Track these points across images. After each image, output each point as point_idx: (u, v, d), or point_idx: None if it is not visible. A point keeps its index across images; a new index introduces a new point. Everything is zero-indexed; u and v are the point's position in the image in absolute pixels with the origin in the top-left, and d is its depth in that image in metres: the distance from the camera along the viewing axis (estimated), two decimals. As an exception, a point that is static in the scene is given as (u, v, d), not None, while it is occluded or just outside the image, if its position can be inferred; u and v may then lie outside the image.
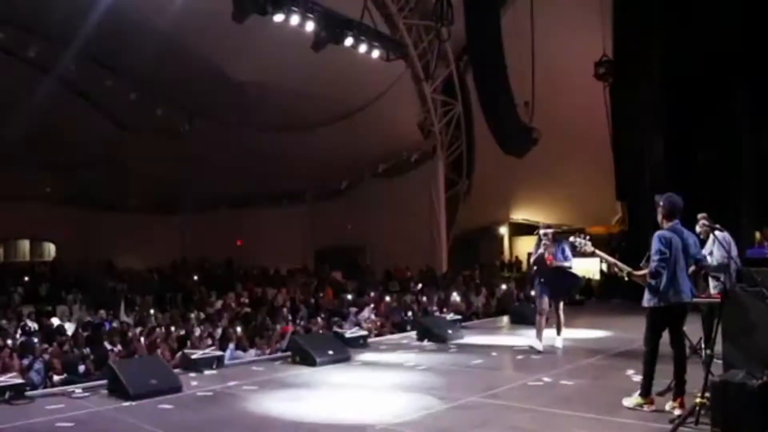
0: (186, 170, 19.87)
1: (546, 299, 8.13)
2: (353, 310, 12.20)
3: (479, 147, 20.87)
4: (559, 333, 8.44)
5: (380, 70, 14.79)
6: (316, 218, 23.26)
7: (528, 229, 22.41)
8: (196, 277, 19.69)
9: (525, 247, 22.07)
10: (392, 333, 11.04)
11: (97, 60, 15.57)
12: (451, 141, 21.13)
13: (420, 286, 17.69)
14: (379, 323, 11.39)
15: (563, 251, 8.10)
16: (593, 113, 16.74)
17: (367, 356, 8.55)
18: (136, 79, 16.48)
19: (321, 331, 9.86)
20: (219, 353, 7.72)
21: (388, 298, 14.16)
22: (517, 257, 22.28)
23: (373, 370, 7.62)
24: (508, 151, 16.68)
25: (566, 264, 8.09)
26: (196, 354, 7.37)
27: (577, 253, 6.12)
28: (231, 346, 8.48)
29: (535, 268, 8.32)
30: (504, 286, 16.22)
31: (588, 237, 5.72)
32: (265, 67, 15.33)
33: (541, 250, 8.12)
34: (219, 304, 14.29)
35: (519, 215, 22.55)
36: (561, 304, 8.29)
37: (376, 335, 10.57)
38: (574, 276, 8.31)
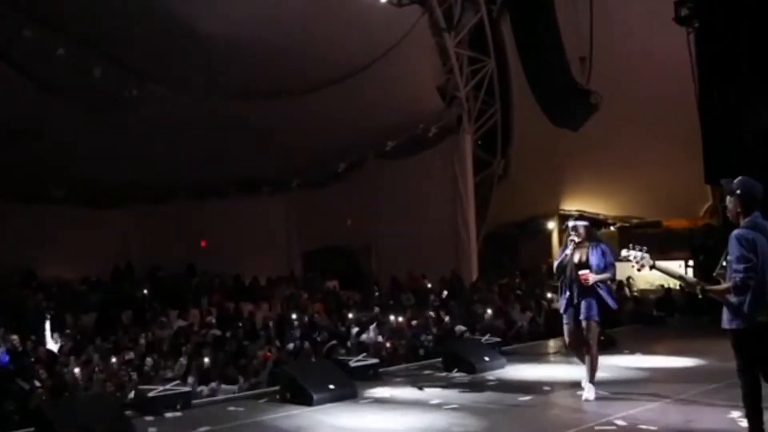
0: (133, 149, 19.78)
1: (571, 324, 7.31)
2: (354, 330, 12.18)
3: (519, 116, 20.88)
4: (591, 379, 7.54)
5: (389, 18, 14.72)
6: (306, 212, 23.27)
7: (585, 224, 22.42)
8: (146, 290, 19.70)
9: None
10: (408, 361, 11.01)
11: (9, 3, 15.45)
12: (481, 109, 21.13)
13: (442, 298, 17.69)
14: (389, 347, 11.36)
15: (602, 255, 7.14)
16: (672, 69, 16.59)
17: (379, 392, 8.51)
18: (65, 30, 16.36)
19: (314, 359, 9.79)
20: (184, 389, 7.66)
21: (397, 317, 14.12)
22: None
23: (388, 410, 7.54)
24: (558, 122, 16.61)
25: (604, 276, 7.15)
26: (155, 391, 7.30)
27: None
28: (191, 379, 8.41)
29: (560, 277, 7.37)
30: (554, 298, 16.17)
31: (644, 249, 5.46)
32: (242, 18, 15.26)
33: (568, 251, 7.17)
34: (179, 324, 14.27)
35: (572, 205, 22.56)
36: (593, 330, 7.33)
37: (387, 363, 10.57)
38: (605, 304, 7.29)
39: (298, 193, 23.57)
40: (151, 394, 7.26)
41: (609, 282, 7.34)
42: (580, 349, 7.59)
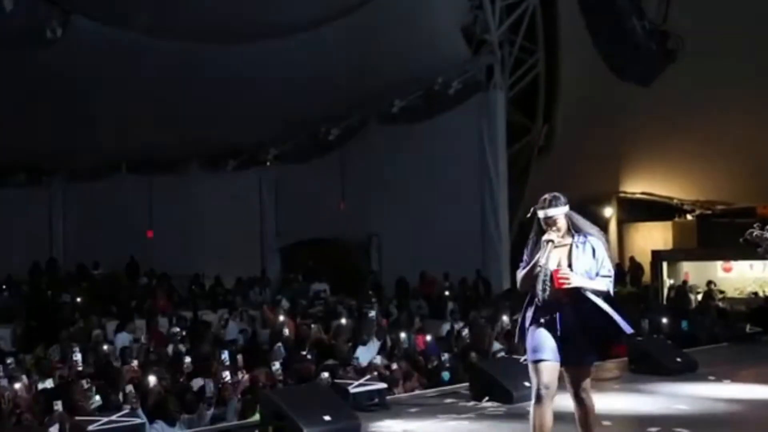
0: (57, 107, 19.85)
1: (548, 366, 5.85)
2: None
3: (568, 68, 20.86)
4: None
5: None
6: (285, 193, 23.29)
7: (653, 210, 22.46)
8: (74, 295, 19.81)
9: (645, 240, 22.07)
10: (423, 386, 11.10)
11: None
12: (518, 58, 21.13)
13: (464, 306, 17.72)
14: (396, 369, 11.44)
15: (593, 255, 5.95)
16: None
17: (389, 424, 8.59)
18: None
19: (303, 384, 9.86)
20: (134, 421, 7.71)
21: (408, 331, 14.19)
22: (633, 258, 22.32)
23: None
24: (624, 75, 16.61)
25: (595, 285, 5.90)
26: (95, 424, 7.35)
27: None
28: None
29: (529, 295, 6.12)
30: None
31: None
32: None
33: (541, 257, 5.88)
34: (122, 339, 14.37)
35: (636, 186, 22.60)
36: (588, 376, 6.00)
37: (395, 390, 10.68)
38: (611, 320, 5.92)
39: (277, 169, 23.59)
40: (90, 429, 7.28)
41: (601, 294, 5.94)
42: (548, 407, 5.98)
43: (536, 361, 5.94)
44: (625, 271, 21.85)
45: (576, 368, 5.99)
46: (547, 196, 5.95)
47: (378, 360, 11.62)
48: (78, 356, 11.50)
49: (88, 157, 22.58)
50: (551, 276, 5.88)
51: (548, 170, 21.60)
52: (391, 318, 16.70)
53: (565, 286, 5.85)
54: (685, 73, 17.95)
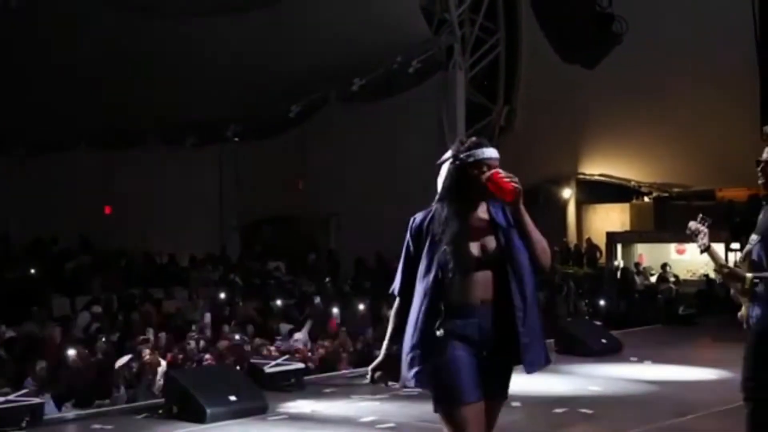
0: (13, 79, 19.75)
1: (474, 411, 3.91)
2: (285, 328, 12.37)
3: (528, 49, 20.88)
4: None
5: None
6: (244, 170, 23.28)
7: (611, 192, 22.56)
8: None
9: (603, 221, 22.18)
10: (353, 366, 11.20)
11: None
12: (479, 38, 21.13)
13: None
14: (324, 351, 11.55)
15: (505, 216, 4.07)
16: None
17: (299, 405, 8.67)
18: None
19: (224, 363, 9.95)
20: (34, 401, 7.75)
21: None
22: (589, 240, 22.42)
23: (303, 430, 7.68)
24: (568, 57, 16.71)
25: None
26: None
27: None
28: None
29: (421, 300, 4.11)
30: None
31: (708, 222, 5.50)
32: None
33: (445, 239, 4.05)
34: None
35: (594, 167, 22.69)
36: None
37: (325, 370, 10.73)
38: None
39: (236, 145, 23.52)
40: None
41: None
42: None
43: (455, 405, 3.88)
44: (582, 252, 22.05)
45: (492, 402, 3.99)
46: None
47: (300, 340, 11.72)
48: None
49: (43, 131, 22.43)
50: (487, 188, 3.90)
51: (509, 151, 21.31)
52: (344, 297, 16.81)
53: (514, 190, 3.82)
54: (641, 60, 18.01)
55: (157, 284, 18.96)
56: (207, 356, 10.44)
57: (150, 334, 11.91)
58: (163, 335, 11.47)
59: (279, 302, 14.79)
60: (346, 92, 21.61)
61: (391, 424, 7.82)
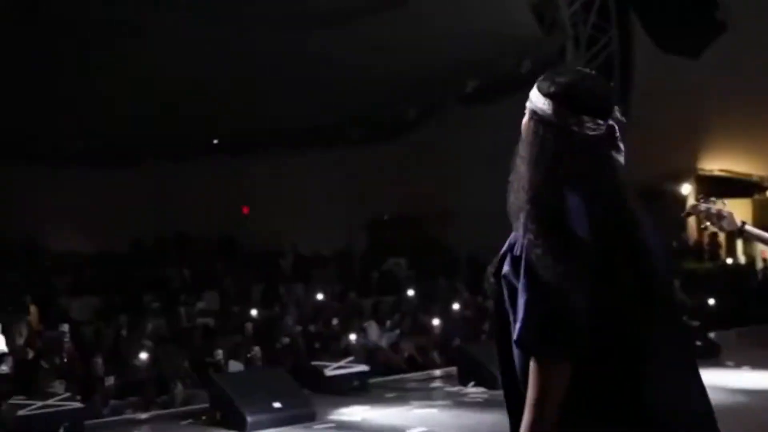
0: (146, 91, 20.32)
1: None
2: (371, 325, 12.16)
3: (642, 45, 19.97)
4: None
5: None
6: (368, 170, 23.22)
7: (732, 187, 21.32)
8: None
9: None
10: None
11: None
12: (592, 37, 20.34)
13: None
14: (413, 349, 11.24)
15: None
16: None
17: (352, 411, 8.40)
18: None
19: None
20: (73, 405, 7.70)
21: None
22: (713, 235, 21.24)
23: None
24: (668, 47, 15.76)
25: None
26: (28, 408, 7.31)
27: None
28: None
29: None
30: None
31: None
32: None
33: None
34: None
35: (714, 163, 21.65)
36: None
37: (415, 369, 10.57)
38: None
39: (358, 148, 23.55)
40: (21, 413, 7.27)
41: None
42: None
43: None
44: (703, 248, 21.05)
45: None
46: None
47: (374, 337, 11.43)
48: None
49: (182, 139, 23.06)
50: None
51: (626, 148, 20.70)
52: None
53: None
54: (757, 43, 16.92)
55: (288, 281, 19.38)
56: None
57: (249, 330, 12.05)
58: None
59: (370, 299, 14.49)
60: (461, 94, 21.33)
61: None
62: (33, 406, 7.34)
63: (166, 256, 22.32)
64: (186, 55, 19.68)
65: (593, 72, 2.63)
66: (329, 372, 9.15)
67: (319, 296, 16.97)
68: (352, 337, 11.79)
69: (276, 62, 19.87)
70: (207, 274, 20.79)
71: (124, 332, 13.25)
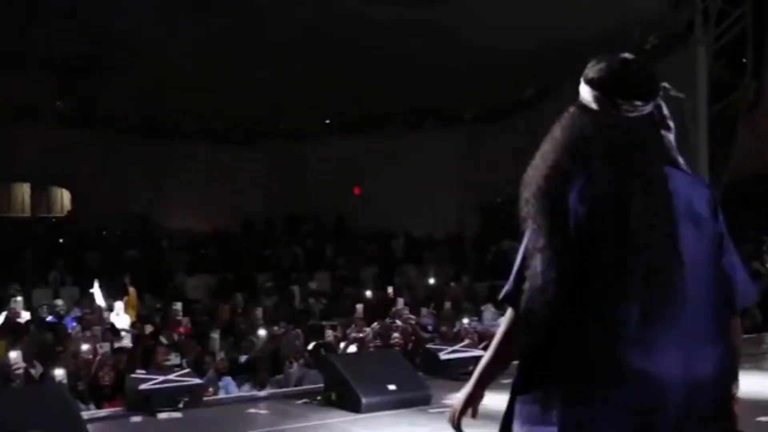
0: (268, 68, 20.23)
1: None
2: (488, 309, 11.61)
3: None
4: None
5: None
6: (482, 151, 22.64)
7: None
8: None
9: None
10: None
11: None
12: (723, 10, 19.18)
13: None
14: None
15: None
16: None
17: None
18: None
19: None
20: (193, 381, 7.45)
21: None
22: None
23: (467, 427, 6.88)
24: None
25: None
26: (149, 383, 7.09)
27: None
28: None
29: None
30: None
31: None
32: None
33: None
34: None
35: None
36: None
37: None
38: None
39: (472, 128, 22.98)
40: (142, 387, 7.07)
41: None
42: None
43: None
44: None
45: None
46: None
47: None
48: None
49: (299, 118, 23.00)
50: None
51: (759, 129, 19.53)
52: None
53: None
54: None
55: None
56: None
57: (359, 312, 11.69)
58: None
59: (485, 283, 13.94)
60: (580, 72, 20.43)
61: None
62: (154, 381, 7.12)
63: (278, 235, 22.31)
64: (301, 37, 19.55)
65: (633, 57, 2.83)
66: (444, 356, 8.71)
67: (431, 280, 16.40)
68: (465, 321, 11.40)
69: (389, 41, 19.54)
70: (319, 254, 20.62)
71: (239, 310, 13.09)
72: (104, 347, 8.97)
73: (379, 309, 12.62)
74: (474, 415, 3.03)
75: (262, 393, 8.37)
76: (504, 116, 22.32)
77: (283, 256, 20.22)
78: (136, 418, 7.08)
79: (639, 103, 2.70)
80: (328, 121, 23.73)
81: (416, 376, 7.90)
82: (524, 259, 2.62)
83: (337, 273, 18.81)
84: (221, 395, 8.49)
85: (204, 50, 19.84)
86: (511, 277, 2.65)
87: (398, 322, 10.33)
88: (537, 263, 2.54)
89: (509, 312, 2.65)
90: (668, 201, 2.55)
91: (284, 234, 22.72)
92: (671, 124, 2.79)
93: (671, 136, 2.76)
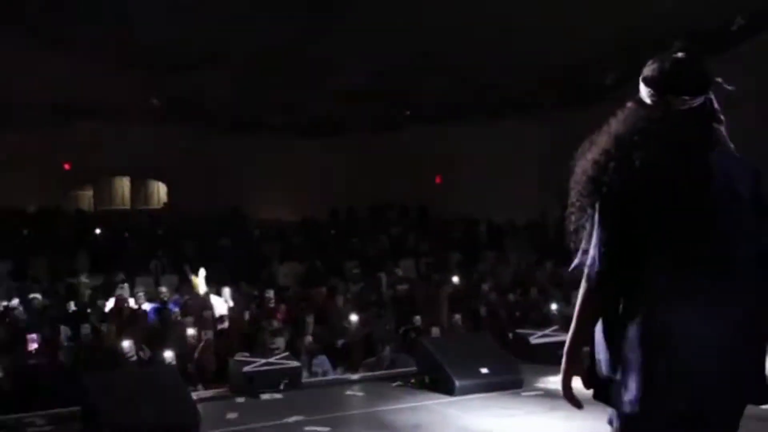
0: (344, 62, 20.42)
1: None
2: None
3: None
4: None
5: None
6: (561, 138, 22.34)
7: None
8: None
9: None
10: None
11: None
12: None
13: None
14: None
15: None
16: None
17: (557, 381, 7.96)
18: None
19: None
20: (292, 364, 7.71)
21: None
22: None
23: (558, 410, 6.92)
24: None
25: None
26: (252, 365, 7.39)
27: None
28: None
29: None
30: None
31: None
32: None
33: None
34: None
35: None
36: None
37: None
38: None
39: (552, 116, 22.73)
40: (246, 369, 7.36)
41: None
42: None
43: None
44: None
45: None
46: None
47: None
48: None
49: (376, 107, 23.11)
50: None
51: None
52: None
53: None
54: None
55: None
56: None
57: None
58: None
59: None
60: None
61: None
62: (256, 363, 7.36)
63: (363, 224, 22.53)
64: (385, 28, 19.67)
65: (687, 55, 3.05)
66: (534, 340, 8.75)
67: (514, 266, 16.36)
68: (554, 306, 11.41)
69: (468, 29, 19.51)
70: (403, 241, 20.76)
71: (333, 296, 13.32)
72: (208, 333, 9.32)
73: (465, 294, 12.72)
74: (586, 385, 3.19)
75: (356, 376, 8.56)
76: (585, 103, 22.02)
77: (368, 243, 20.43)
78: (240, 399, 7.32)
79: (687, 98, 2.93)
80: (408, 113, 23.82)
81: (508, 360, 7.96)
82: (587, 236, 2.93)
83: (421, 260, 18.93)
84: (318, 376, 8.73)
85: (289, 45, 20.14)
86: (578, 253, 2.96)
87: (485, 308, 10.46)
88: (592, 240, 2.86)
89: (582, 285, 2.90)
90: (707, 181, 2.75)
91: (369, 222, 22.93)
92: (722, 117, 2.95)
93: (722, 128, 2.93)
